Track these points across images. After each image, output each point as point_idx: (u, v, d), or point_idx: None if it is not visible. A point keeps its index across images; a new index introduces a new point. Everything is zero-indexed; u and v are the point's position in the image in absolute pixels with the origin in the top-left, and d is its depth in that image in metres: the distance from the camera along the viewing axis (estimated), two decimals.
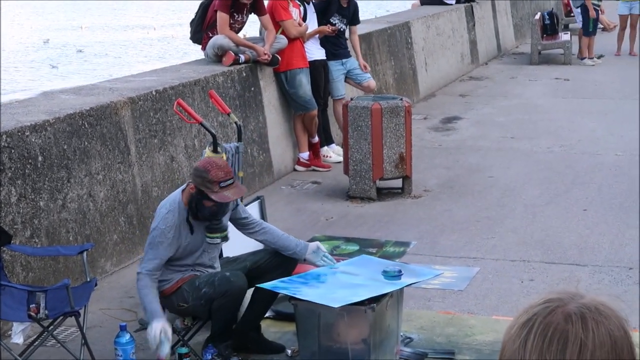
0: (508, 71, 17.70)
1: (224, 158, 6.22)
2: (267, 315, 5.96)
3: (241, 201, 6.02)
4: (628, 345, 1.60)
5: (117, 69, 22.15)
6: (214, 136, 6.28)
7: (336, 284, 5.37)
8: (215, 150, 6.25)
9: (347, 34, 11.06)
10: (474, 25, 18.02)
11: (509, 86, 15.99)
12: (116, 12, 44.89)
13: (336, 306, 5.04)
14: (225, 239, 5.57)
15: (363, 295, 5.11)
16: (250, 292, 5.71)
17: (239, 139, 6.71)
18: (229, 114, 6.82)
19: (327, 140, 10.62)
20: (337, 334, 5.26)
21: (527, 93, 15.23)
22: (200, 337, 5.66)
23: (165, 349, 5.13)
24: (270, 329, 6.00)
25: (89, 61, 26.80)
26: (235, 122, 6.73)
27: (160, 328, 5.15)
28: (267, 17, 9.65)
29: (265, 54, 9.47)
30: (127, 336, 5.25)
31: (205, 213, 5.41)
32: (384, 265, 5.58)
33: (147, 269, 5.36)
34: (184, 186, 5.56)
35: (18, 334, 5.04)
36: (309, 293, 5.19)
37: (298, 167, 10.20)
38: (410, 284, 5.44)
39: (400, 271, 5.43)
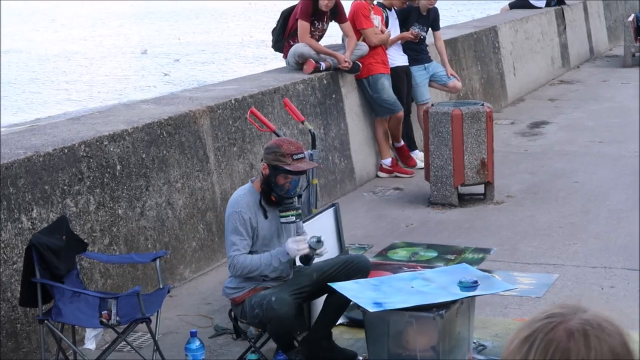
0: (600, 74, 17.42)
1: None
2: (340, 321, 5.97)
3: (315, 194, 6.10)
4: None
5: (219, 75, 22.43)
6: None
7: (399, 289, 5.35)
8: None
9: (429, 40, 11.02)
10: (565, 28, 17.77)
11: (601, 89, 15.73)
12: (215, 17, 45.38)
13: (371, 310, 5.06)
14: (299, 217, 5.62)
15: (412, 303, 5.10)
16: (322, 298, 5.75)
17: (313, 146, 6.74)
18: (302, 122, 6.86)
19: (410, 146, 10.60)
20: (407, 341, 5.24)
21: (618, 96, 14.96)
22: (273, 343, 5.69)
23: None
24: (344, 336, 6.01)
25: (195, 68, 27.17)
26: (310, 130, 6.77)
27: (292, 244, 5.39)
28: (347, 25, 9.67)
29: (345, 61, 9.49)
30: (198, 342, 5.31)
31: (280, 190, 5.49)
32: (469, 275, 5.53)
33: (238, 250, 5.45)
34: (252, 178, 5.71)
35: (91, 340, 5.14)
36: (365, 296, 5.20)
37: (380, 174, 10.19)
38: (474, 295, 5.38)
39: (476, 282, 5.38)
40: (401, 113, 9.97)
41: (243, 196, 5.59)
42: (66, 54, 31.53)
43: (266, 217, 5.58)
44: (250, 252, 5.55)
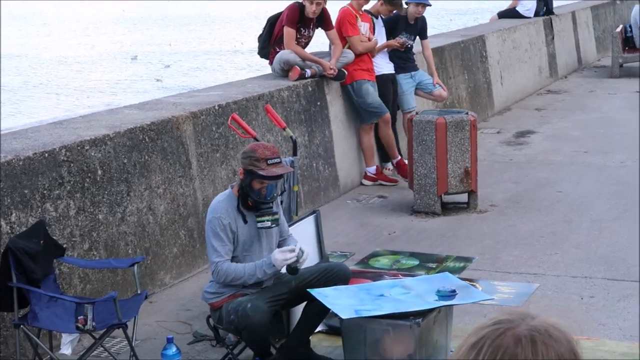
0: (587, 85, 17.46)
1: None
2: (319, 329, 5.97)
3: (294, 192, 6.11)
4: None
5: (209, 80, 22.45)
6: None
7: (376, 297, 5.36)
8: None
9: (417, 49, 11.04)
10: (553, 38, 17.82)
11: (587, 100, 15.77)
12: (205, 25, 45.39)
13: (343, 317, 5.11)
14: (275, 222, 5.60)
15: (386, 311, 5.11)
16: (302, 305, 5.75)
17: (294, 153, 6.74)
18: (284, 129, 6.86)
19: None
20: (384, 349, 5.25)
21: (605, 107, 15.00)
22: (251, 351, 5.68)
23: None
24: (322, 344, 6.00)
25: (187, 74, 27.17)
26: (291, 137, 6.77)
27: (279, 254, 5.40)
28: (333, 32, 9.68)
29: (331, 68, 9.50)
30: (174, 348, 5.30)
31: (255, 195, 5.49)
32: (449, 284, 5.54)
33: (220, 256, 5.45)
34: (232, 184, 5.73)
35: (67, 345, 5.13)
36: (341, 303, 5.21)
37: (365, 182, 10.19)
38: (450, 305, 5.38)
39: (454, 291, 5.39)
40: (388, 116, 9.97)
41: (222, 202, 5.60)
42: (58, 59, 31.51)
43: (245, 222, 5.58)
44: (232, 258, 5.55)
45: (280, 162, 5.53)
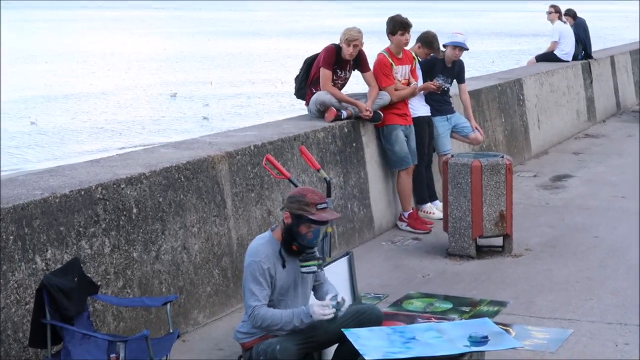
0: (626, 129, 17.38)
1: None
2: None
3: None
4: None
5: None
6: None
7: (408, 340, 5.35)
8: None
9: (454, 92, 11.06)
10: (592, 82, 17.79)
11: (625, 144, 15.70)
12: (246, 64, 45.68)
13: (367, 358, 5.13)
14: (320, 267, 5.66)
15: (413, 354, 5.12)
16: (334, 347, 5.75)
17: (328, 195, 6.76)
18: (318, 170, 6.89)
19: (431, 197, 10.60)
20: None
21: None
22: None
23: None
24: None
25: (231, 112, 27.36)
26: (325, 178, 6.79)
27: (318, 308, 5.39)
28: (370, 74, 9.72)
29: (367, 110, 9.53)
30: None
31: (302, 240, 5.54)
32: (487, 330, 5.52)
33: (258, 300, 5.47)
34: (272, 227, 5.74)
35: None
36: (370, 344, 5.22)
37: (400, 224, 10.17)
38: (478, 351, 5.36)
39: (486, 337, 5.38)
40: (410, 168, 9.96)
41: (262, 245, 5.61)
42: (104, 95, 31.79)
43: (284, 267, 5.61)
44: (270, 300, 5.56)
45: (327, 206, 5.58)
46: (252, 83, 36.24)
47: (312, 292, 5.87)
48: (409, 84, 10.05)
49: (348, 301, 6.31)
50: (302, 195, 5.57)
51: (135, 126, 24.64)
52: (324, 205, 5.56)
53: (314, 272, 5.66)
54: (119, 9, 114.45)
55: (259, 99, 30.85)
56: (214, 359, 6.53)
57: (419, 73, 10.48)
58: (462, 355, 5.24)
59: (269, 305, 5.57)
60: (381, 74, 9.81)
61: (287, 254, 5.61)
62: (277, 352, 5.27)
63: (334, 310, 5.43)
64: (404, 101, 10.03)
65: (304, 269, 5.61)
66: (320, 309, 5.43)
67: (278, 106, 27.87)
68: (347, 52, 9.39)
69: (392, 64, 9.90)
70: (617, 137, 16.56)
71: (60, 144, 21.76)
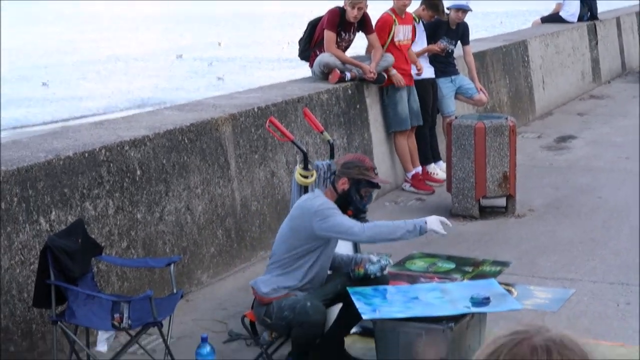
0: (631, 90, 17.33)
1: (314, 175, 6.31)
2: (353, 330, 6.00)
3: None
4: None
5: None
6: (304, 154, 6.38)
7: (408, 300, 5.39)
8: (306, 168, 6.35)
9: (457, 53, 11.04)
10: (597, 43, 17.72)
11: (630, 105, 15.65)
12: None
13: (364, 317, 5.22)
14: None
15: (411, 314, 5.17)
16: (338, 306, 5.79)
17: (332, 157, 6.78)
18: (322, 132, 6.90)
19: (434, 157, 10.61)
20: (416, 352, 5.27)
21: None
22: (285, 350, 5.73)
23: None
24: (357, 345, 6.03)
25: (242, 72, 27.30)
26: (328, 140, 6.80)
27: (436, 219, 5.56)
28: (374, 36, 9.70)
29: (371, 72, 9.52)
30: (208, 348, 5.36)
31: (360, 204, 5.68)
32: (491, 291, 5.55)
33: (353, 220, 5.47)
34: (322, 189, 5.77)
35: (103, 342, 5.20)
36: (371, 303, 5.26)
37: (404, 185, 10.19)
38: (478, 312, 5.39)
39: (487, 298, 5.41)
40: (406, 132, 9.95)
41: (322, 196, 5.63)
42: (114, 57, 31.75)
43: None
44: (305, 255, 5.55)
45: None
46: (260, 44, 36.16)
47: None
48: (411, 43, 10.05)
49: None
50: (360, 160, 5.72)
51: (149, 88, 24.63)
52: (377, 170, 5.76)
53: None
54: None
55: (268, 62, 30.80)
56: (218, 319, 6.58)
57: (423, 35, 10.46)
58: (463, 316, 5.27)
59: (308, 256, 5.56)
60: (377, 29, 9.81)
61: None
62: (309, 308, 5.31)
63: (445, 232, 5.60)
64: (407, 61, 10.01)
65: None
66: (438, 221, 5.58)
67: (287, 66, 27.82)
68: (352, 14, 9.36)
69: (395, 22, 9.87)
70: (622, 98, 16.51)
71: (72, 102, 21.82)
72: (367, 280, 5.72)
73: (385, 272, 5.74)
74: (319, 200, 5.58)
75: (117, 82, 25.40)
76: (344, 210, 5.63)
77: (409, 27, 10.07)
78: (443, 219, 5.65)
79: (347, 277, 5.77)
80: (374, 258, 5.74)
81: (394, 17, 9.90)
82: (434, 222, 5.54)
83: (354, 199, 5.64)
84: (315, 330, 5.41)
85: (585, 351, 1.62)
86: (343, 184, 5.63)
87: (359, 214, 5.75)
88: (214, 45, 35.43)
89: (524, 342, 1.62)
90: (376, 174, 5.72)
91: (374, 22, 9.84)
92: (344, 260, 5.87)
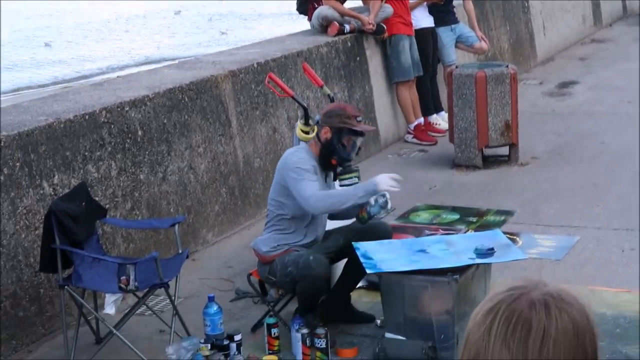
0: (632, 33, 17.21)
1: (315, 130, 6.29)
2: (360, 285, 6.02)
3: None
4: (590, 332, 1.61)
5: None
6: (305, 109, 6.36)
7: (412, 253, 5.40)
8: (306, 123, 6.33)
9: (457, 2, 10.97)
10: None
11: (632, 48, 15.55)
12: None
13: (368, 271, 5.23)
14: (359, 178, 5.71)
15: (415, 267, 5.18)
16: (343, 262, 5.81)
17: None
18: (321, 87, 6.88)
19: (436, 108, 10.57)
20: (422, 305, 5.28)
21: None
22: (292, 307, 5.76)
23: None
24: (363, 299, 6.06)
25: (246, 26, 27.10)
26: (328, 94, 6.78)
27: (385, 177, 5.45)
28: None
29: (370, 23, 9.48)
30: (215, 307, 5.38)
31: (343, 153, 5.59)
32: (495, 242, 5.55)
33: (315, 189, 5.38)
34: (307, 142, 5.74)
35: (110, 305, 5.23)
36: (375, 257, 5.27)
37: (406, 136, 10.18)
38: (482, 263, 5.39)
39: (491, 249, 5.40)
40: (409, 82, 9.91)
41: (303, 151, 5.61)
42: (115, 16, 31.58)
43: (325, 181, 5.63)
44: (297, 210, 5.52)
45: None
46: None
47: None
48: None
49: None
50: (341, 109, 5.67)
51: (152, 46, 24.53)
52: (360, 118, 5.69)
53: (356, 184, 5.69)
54: None
55: (269, 15, 30.60)
56: (224, 277, 6.61)
57: None
58: (469, 266, 5.28)
59: (295, 222, 5.58)
60: None
61: (325, 169, 5.64)
62: (311, 261, 5.31)
63: (397, 188, 5.47)
64: (407, 10, 9.96)
65: (345, 181, 5.66)
66: (389, 179, 5.46)
67: (289, 19, 27.70)
68: None
69: None
70: (623, 41, 16.43)
71: (74, 64, 21.75)
72: (371, 233, 5.72)
73: (389, 207, 5.63)
74: (296, 157, 5.54)
75: (118, 41, 25.28)
76: (328, 159, 5.58)
77: None
78: (394, 175, 5.55)
79: (347, 230, 5.77)
80: (372, 200, 5.66)
81: None
82: (383, 181, 5.44)
83: (336, 147, 5.57)
84: (320, 283, 5.42)
85: (583, 304, 1.64)
86: (325, 133, 5.59)
87: (343, 163, 5.64)
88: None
89: (522, 297, 1.63)
90: (359, 122, 5.64)
91: None
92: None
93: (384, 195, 5.55)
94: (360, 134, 5.67)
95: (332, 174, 5.72)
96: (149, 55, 21.99)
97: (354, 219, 5.79)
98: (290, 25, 21.65)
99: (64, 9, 32.65)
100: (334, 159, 5.61)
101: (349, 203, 5.42)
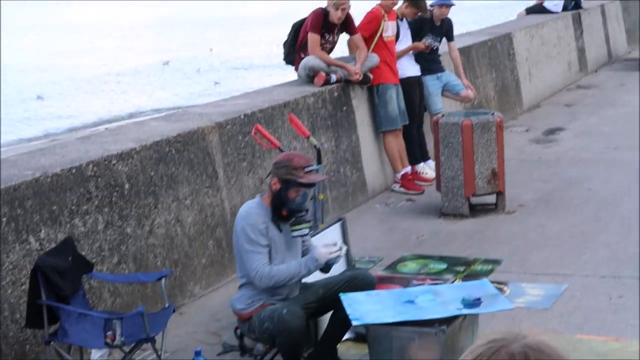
0: (618, 78, 17.37)
1: None
2: (346, 337, 6.01)
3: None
4: None
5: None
6: None
7: (399, 304, 5.40)
8: None
9: (443, 50, 11.05)
10: (582, 32, 17.75)
11: (618, 94, 15.69)
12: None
13: (355, 323, 5.24)
14: (311, 229, 5.74)
15: (401, 318, 5.19)
16: (328, 315, 5.80)
17: (319, 162, 6.79)
18: (308, 137, 6.90)
19: (423, 156, 10.61)
20: (410, 356, 5.27)
21: (635, 101, 14.86)
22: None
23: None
24: (350, 351, 6.04)
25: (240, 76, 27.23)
26: (315, 145, 6.81)
27: (323, 249, 5.47)
28: (358, 36, 9.70)
29: (356, 73, 9.53)
30: None
31: (291, 204, 5.57)
32: (484, 292, 5.55)
33: (262, 263, 5.48)
34: (261, 194, 5.77)
35: None
36: (361, 308, 5.28)
37: (393, 186, 10.20)
38: (469, 314, 5.40)
39: (478, 299, 5.42)
40: (396, 131, 9.97)
41: (254, 208, 5.64)
42: (109, 69, 31.69)
43: (280, 231, 5.64)
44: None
45: (314, 169, 5.67)
46: (249, 46, 36.12)
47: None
48: (396, 38, 10.13)
49: (342, 267, 6.36)
50: (288, 160, 5.62)
51: (144, 98, 24.61)
52: (311, 168, 5.63)
53: (305, 235, 5.70)
54: None
55: (259, 65, 30.76)
56: (211, 331, 6.58)
57: (408, 33, 10.47)
58: (456, 317, 5.28)
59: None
60: (364, 22, 9.81)
61: (278, 219, 5.64)
62: (285, 314, 5.32)
63: (337, 248, 5.48)
64: (393, 59, 10.03)
65: (295, 232, 5.65)
66: (326, 249, 5.48)
67: (278, 68, 27.83)
68: (336, 16, 9.37)
69: (384, 17, 9.87)
70: (609, 86, 16.55)
71: (66, 119, 21.79)
72: (354, 284, 5.72)
73: (308, 237, 5.74)
74: (245, 221, 5.59)
75: (111, 94, 25.38)
76: (279, 210, 5.60)
77: (395, 23, 10.11)
78: (329, 242, 5.59)
79: (329, 281, 5.78)
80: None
81: (383, 12, 9.91)
82: (322, 255, 5.49)
83: (285, 199, 5.58)
84: (297, 336, 5.40)
85: (563, 356, 1.65)
86: (275, 184, 5.60)
87: (293, 214, 5.62)
88: (202, 51, 35.39)
89: (501, 349, 1.64)
90: (307, 172, 5.58)
91: (361, 19, 9.86)
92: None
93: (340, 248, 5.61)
94: (308, 185, 5.64)
95: (286, 224, 5.70)
96: (141, 107, 22.09)
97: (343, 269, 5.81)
98: (281, 75, 21.79)
99: (60, 64, 32.74)
100: (284, 210, 5.61)
101: (293, 280, 5.53)
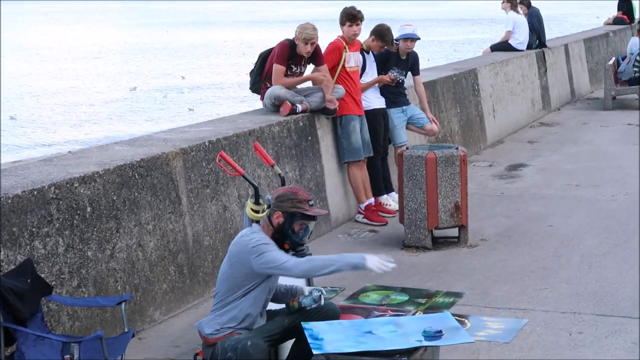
0: (580, 117, 17.54)
1: (266, 209, 6.29)
2: None
3: None
4: None
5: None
6: (255, 188, 6.38)
7: (360, 334, 5.39)
8: (257, 202, 6.34)
9: (408, 83, 11.10)
10: (546, 71, 17.92)
11: (580, 132, 15.84)
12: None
13: (316, 352, 5.19)
14: (320, 297, 5.74)
15: (362, 348, 5.16)
16: (291, 342, 5.78)
17: None
18: (272, 166, 6.90)
19: (387, 188, 10.63)
20: None
21: (597, 139, 15.07)
22: None
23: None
24: None
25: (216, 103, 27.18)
26: (279, 174, 6.81)
27: (376, 258, 5.39)
28: (325, 67, 9.72)
29: (330, 100, 9.59)
30: None
31: (296, 238, 5.61)
32: (445, 325, 5.55)
33: (288, 256, 5.47)
34: (260, 223, 5.76)
35: None
36: (323, 338, 5.26)
37: (357, 216, 10.21)
38: (429, 345, 5.39)
39: (439, 332, 5.42)
40: (360, 162, 10.00)
41: (259, 231, 5.64)
42: (80, 90, 31.54)
43: None
44: (247, 292, 5.56)
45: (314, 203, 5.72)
46: (219, 74, 36.13)
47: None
48: (362, 70, 10.23)
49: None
50: (293, 193, 5.65)
51: (120, 117, 24.49)
52: (312, 202, 5.69)
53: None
54: (68, 2, 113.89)
55: (229, 89, 30.76)
56: (171, 357, 6.53)
57: (374, 66, 10.52)
58: (417, 349, 5.27)
59: (246, 292, 5.56)
60: (325, 53, 9.85)
61: None
62: (249, 347, 5.29)
63: (390, 268, 5.41)
64: (358, 91, 10.07)
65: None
66: (378, 261, 5.38)
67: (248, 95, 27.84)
68: (304, 50, 9.40)
69: (345, 48, 9.93)
70: (571, 125, 16.70)
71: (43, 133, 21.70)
72: (319, 314, 5.72)
73: (321, 302, 5.68)
74: (255, 237, 5.58)
75: (82, 118, 25.29)
76: (281, 244, 5.61)
77: (358, 54, 10.16)
78: (385, 258, 5.49)
79: (291, 314, 5.76)
80: (307, 290, 5.76)
81: (344, 43, 9.96)
82: (373, 261, 5.42)
83: (288, 232, 5.61)
84: None
85: None
86: (277, 218, 5.61)
87: (296, 247, 5.70)
88: (171, 77, 35.35)
89: None
90: (311, 206, 5.64)
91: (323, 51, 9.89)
92: (281, 292, 5.89)
93: (320, 290, 5.66)
94: (313, 218, 5.67)
95: None
96: (110, 134, 22.00)
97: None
98: (254, 101, 21.87)
99: (34, 92, 32.54)
100: (286, 243, 5.62)
101: (332, 267, 5.43)
